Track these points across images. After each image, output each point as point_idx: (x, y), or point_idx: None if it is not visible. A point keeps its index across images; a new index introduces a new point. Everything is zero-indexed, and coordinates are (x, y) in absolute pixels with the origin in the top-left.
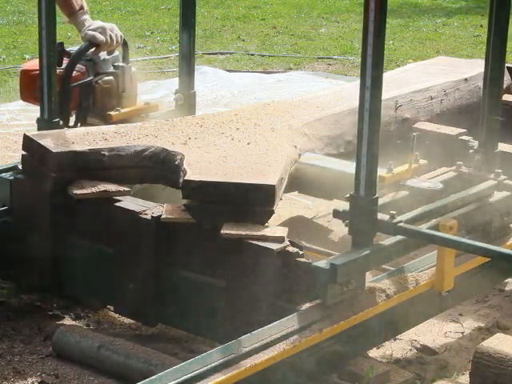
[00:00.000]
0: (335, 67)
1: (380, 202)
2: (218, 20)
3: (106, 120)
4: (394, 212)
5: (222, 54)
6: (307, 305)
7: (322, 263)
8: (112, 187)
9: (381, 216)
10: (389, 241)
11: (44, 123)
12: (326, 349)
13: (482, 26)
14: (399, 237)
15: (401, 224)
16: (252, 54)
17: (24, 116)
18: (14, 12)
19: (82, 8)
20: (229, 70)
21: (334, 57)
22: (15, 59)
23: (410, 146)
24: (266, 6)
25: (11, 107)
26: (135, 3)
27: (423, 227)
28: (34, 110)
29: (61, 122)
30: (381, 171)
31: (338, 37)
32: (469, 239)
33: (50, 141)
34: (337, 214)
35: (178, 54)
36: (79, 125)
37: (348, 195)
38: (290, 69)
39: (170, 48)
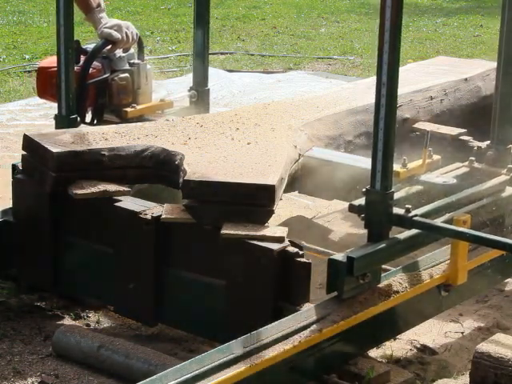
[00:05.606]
0: (335, 67)
1: (395, 196)
2: (217, 20)
3: (122, 117)
4: (410, 206)
5: (222, 53)
6: (307, 305)
7: (339, 256)
8: (112, 187)
9: (396, 210)
10: (404, 234)
11: (62, 120)
12: (331, 346)
13: (481, 25)
14: (414, 230)
15: (416, 218)
16: (252, 54)
17: (24, 116)
18: (13, 12)
19: (99, 5)
20: (229, 70)
21: (334, 57)
22: (15, 59)
23: (424, 142)
24: (265, 6)
25: (11, 107)
26: (135, 3)
27: (438, 221)
28: (34, 110)
29: (78, 119)
30: (395, 166)
31: (338, 37)
32: (483, 233)
33: (50, 141)
34: (352, 208)
35: (177, 54)
36: (95, 121)
37: (364, 189)
38: (290, 69)
39: (170, 48)
